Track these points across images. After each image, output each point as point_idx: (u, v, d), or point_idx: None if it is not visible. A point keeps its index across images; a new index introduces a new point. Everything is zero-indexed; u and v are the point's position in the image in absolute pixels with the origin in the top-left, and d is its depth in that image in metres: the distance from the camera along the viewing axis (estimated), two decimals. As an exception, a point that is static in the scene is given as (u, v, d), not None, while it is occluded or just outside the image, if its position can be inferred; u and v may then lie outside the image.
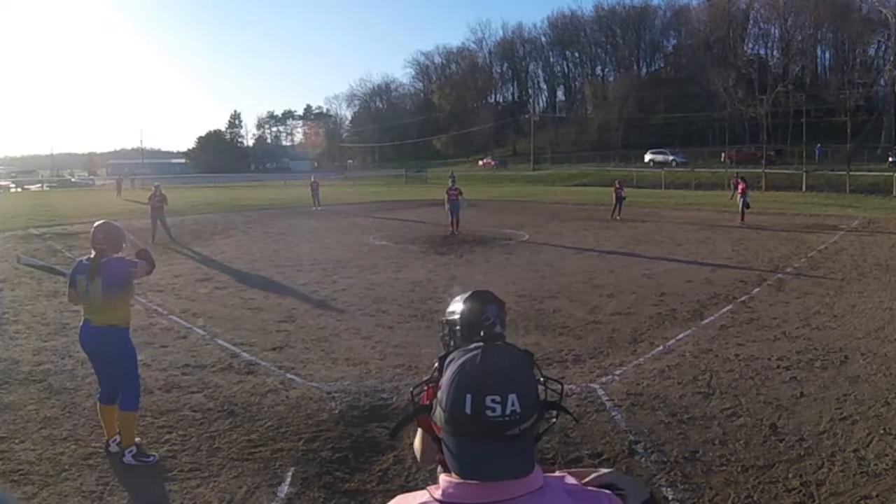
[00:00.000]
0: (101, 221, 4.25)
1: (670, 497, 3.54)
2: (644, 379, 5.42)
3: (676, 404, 4.85)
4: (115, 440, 4.09)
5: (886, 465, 3.79)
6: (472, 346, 1.04)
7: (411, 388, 1.18)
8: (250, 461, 4.02)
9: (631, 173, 43.33)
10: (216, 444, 4.26)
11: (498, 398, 0.96)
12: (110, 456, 4.05)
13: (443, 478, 1.02)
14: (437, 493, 1.00)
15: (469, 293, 1.85)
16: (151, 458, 3.99)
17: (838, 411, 4.62)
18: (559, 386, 1.03)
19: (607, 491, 1.09)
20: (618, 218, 19.64)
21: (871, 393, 4.96)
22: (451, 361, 1.03)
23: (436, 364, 1.08)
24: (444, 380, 1.01)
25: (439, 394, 1.01)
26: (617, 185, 20.73)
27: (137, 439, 4.05)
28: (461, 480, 0.98)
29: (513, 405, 0.96)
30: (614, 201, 20.01)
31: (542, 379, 1.07)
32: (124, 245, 4.23)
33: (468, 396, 0.96)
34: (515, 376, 0.99)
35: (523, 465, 0.98)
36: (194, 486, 3.71)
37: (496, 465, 0.96)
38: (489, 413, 0.95)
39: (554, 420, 1.04)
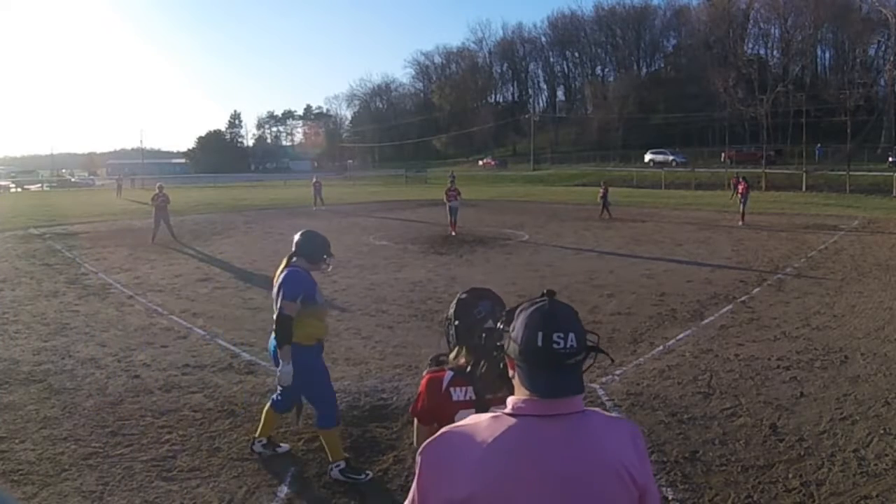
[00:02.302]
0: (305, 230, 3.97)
1: (670, 497, 3.53)
2: (644, 379, 5.42)
3: (676, 404, 4.85)
4: (261, 441, 4.05)
5: (886, 465, 3.79)
6: (538, 298, 1.34)
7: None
8: (250, 461, 4.02)
9: (631, 173, 43.37)
10: (216, 444, 4.27)
11: (562, 335, 1.26)
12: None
13: (510, 399, 1.30)
14: (507, 409, 1.29)
15: (466, 290, 2.03)
16: (363, 476, 3.74)
17: (838, 411, 4.62)
18: (596, 336, 1.36)
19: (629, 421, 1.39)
20: (606, 217, 19.74)
21: (871, 393, 4.96)
22: (521, 311, 1.33)
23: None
24: (518, 323, 1.31)
25: (513, 334, 1.31)
26: (602, 187, 20.91)
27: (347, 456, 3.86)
28: (528, 398, 1.28)
29: (571, 341, 1.27)
30: (600, 202, 20.41)
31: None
32: (325, 258, 3.90)
33: (540, 333, 1.26)
34: (573, 321, 1.31)
35: (578, 387, 1.29)
36: (194, 486, 3.71)
37: (559, 386, 1.27)
38: (555, 346, 1.26)
39: (592, 361, 1.34)
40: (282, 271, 3.75)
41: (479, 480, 1.22)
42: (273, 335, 3.72)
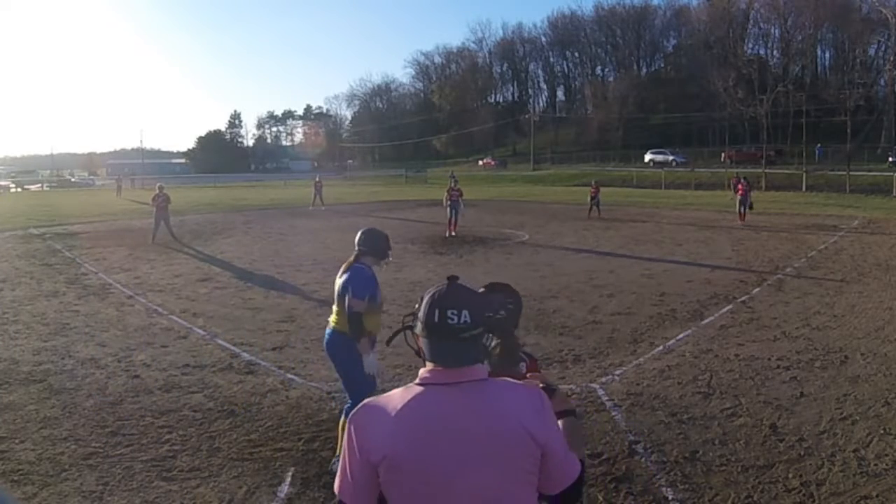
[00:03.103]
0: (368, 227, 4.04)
1: (670, 497, 3.53)
2: (644, 379, 5.42)
3: (676, 404, 4.85)
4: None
5: (886, 465, 3.79)
6: (442, 282, 1.51)
7: (403, 317, 1.62)
8: (250, 461, 4.02)
9: (631, 173, 43.39)
10: (216, 444, 4.26)
11: (455, 311, 1.44)
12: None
13: (420, 371, 1.47)
14: (417, 380, 1.46)
15: (485, 284, 2.12)
16: None
17: (838, 411, 4.62)
18: (511, 304, 1.61)
19: (541, 386, 1.54)
20: (596, 216, 19.77)
21: (871, 393, 4.96)
22: (426, 293, 1.50)
23: (416, 306, 1.54)
24: (422, 303, 1.49)
25: (418, 313, 1.49)
26: (593, 186, 20.93)
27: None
28: (433, 368, 1.45)
29: (465, 317, 1.44)
30: (589, 202, 20.52)
31: (490, 313, 1.57)
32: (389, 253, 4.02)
33: (437, 310, 1.44)
34: (469, 300, 1.47)
35: (472, 358, 1.45)
36: (194, 486, 3.71)
37: (457, 356, 1.44)
38: (449, 321, 1.43)
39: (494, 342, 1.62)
40: (346, 270, 3.82)
41: (390, 444, 1.38)
42: (330, 329, 3.90)
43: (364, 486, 1.42)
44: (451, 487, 1.37)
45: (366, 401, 1.48)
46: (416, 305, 1.53)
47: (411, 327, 1.55)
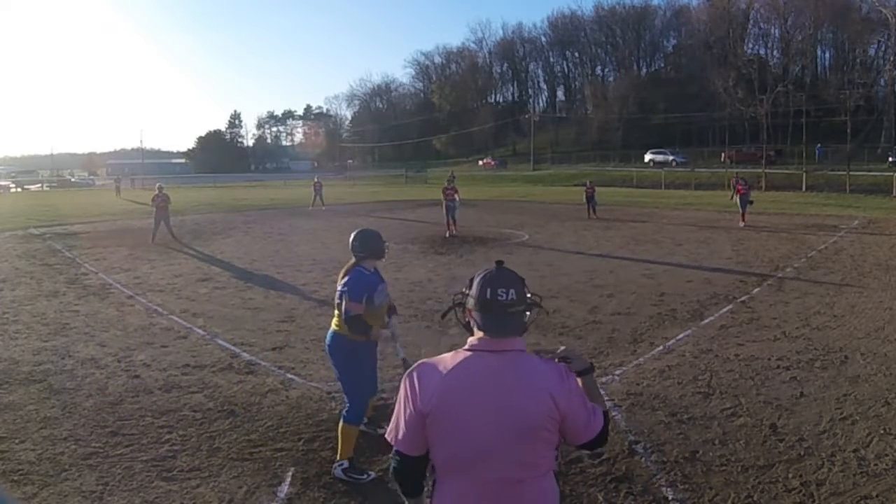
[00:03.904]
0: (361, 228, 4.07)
1: (670, 497, 3.53)
2: (644, 379, 5.42)
3: (676, 404, 4.85)
4: (342, 464, 3.83)
5: (886, 465, 3.79)
6: (492, 266, 1.80)
7: (452, 295, 1.91)
8: (250, 461, 4.02)
9: (631, 173, 43.38)
10: (216, 444, 4.26)
11: (504, 290, 1.72)
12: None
13: (469, 339, 1.75)
14: (465, 346, 1.73)
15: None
16: (365, 476, 3.78)
17: (838, 411, 4.62)
18: (539, 297, 1.83)
19: (562, 364, 1.76)
20: (594, 216, 19.75)
21: (871, 393, 4.96)
22: (476, 276, 1.79)
23: (464, 289, 1.84)
24: (474, 283, 1.77)
25: (471, 291, 1.77)
26: (588, 186, 20.91)
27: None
28: (481, 337, 1.72)
29: (511, 295, 1.72)
30: (585, 201, 20.45)
31: (529, 293, 1.81)
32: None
33: (488, 289, 1.73)
34: (515, 282, 1.76)
35: (517, 330, 1.74)
36: (194, 486, 3.71)
37: (503, 328, 1.72)
38: (499, 298, 1.71)
39: (535, 314, 1.81)
40: (346, 274, 3.83)
41: (438, 398, 1.67)
42: (331, 331, 3.93)
43: (414, 433, 1.70)
44: (485, 437, 1.64)
45: (422, 360, 1.77)
46: (464, 288, 1.82)
47: (462, 304, 1.81)
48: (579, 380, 1.79)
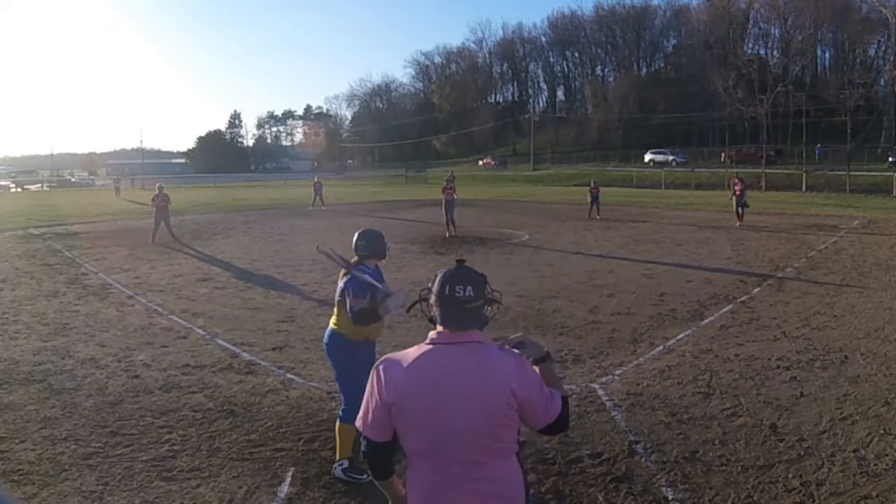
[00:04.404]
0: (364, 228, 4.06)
1: (670, 497, 3.53)
2: (644, 379, 5.42)
3: (676, 404, 4.85)
4: (341, 464, 3.84)
5: (886, 465, 3.79)
6: (452, 264, 1.91)
7: (419, 291, 1.99)
8: (250, 461, 4.02)
9: (631, 173, 43.37)
10: (216, 444, 4.26)
11: (462, 286, 1.83)
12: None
13: (430, 333, 1.87)
14: (427, 340, 1.85)
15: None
16: (364, 476, 3.71)
17: (838, 411, 4.62)
18: (499, 293, 1.94)
19: (517, 351, 1.85)
20: (597, 217, 19.74)
21: (871, 393, 4.96)
22: (438, 273, 1.90)
23: (429, 284, 1.93)
24: (436, 279, 1.88)
25: (433, 288, 1.87)
26: (592, 186, 20.97)
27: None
28: (441, 331, 1.84)
29: (469, 292, 1.83)
30: (590, 201, 20.45)
31: (490, 290, 1.91)
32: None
33: (447, 286, 1.84)
34: (472, 278, 1.87)
35: (476, 323, 1.85)
36: (194, 486, 3.71)
37: (460, 321, 1.82)
38: (456, 294, 1.82)
39: (494, 309, 1.91)
40: (346, 274, 3.81)
41: (400, 389, 1.78)
42: (329, 330, 3.93)
43: (381, 421, 1.82)
44: (447, 425, 1.75)
45: (387, 354, 1.89)
46: (429, 284, 1.91)
47: (427, 299, 1.93)
48: (536, 367, 1.88)
